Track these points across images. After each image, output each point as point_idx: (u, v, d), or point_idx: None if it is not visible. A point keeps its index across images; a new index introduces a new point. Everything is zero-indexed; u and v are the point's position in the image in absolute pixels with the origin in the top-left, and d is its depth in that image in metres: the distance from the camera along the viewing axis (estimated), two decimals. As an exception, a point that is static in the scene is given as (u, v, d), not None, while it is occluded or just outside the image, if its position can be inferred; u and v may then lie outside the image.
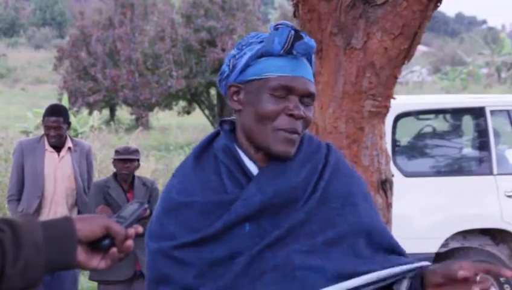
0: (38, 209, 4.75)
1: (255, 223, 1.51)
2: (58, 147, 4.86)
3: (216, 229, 1.50)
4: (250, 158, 1.57)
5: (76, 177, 4.86)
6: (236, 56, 1.60)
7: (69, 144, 4.89)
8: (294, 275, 1.47)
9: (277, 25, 1.58)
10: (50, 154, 4.84)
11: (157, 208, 1.60)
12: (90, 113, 20.46)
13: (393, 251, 1.61)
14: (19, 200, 4.83)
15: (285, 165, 1.55)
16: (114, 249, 1.21)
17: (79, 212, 4.87)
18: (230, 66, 1.60)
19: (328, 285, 1.47)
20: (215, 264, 1.49)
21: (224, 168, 1.56)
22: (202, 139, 1.67)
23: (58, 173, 4.83)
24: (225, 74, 1.62)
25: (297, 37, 1.54)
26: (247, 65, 1.57)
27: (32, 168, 4.78)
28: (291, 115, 1.52)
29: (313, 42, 1.56)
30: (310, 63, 1.60)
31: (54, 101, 23.86)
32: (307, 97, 1.55)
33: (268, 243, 1.49)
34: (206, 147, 1.63)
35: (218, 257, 1.49)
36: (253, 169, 1.56)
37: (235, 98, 1.59)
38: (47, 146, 4.84)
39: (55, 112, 4.80)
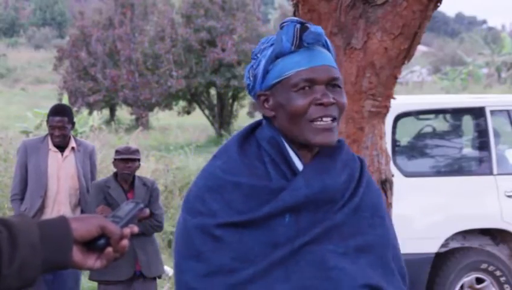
0: (41, 209, 4.76)
1: (294, 216, 1.52)
2: (61, 147, 4.86)
3: (262, 214, 1.50)
4: (297, 153, 1.57)
5: (79, 177, 4.86)
6: (254, 66, 1.61)
7: (72, 144, 4.90)
8: (329, 275, 1.49)
9: (282, 23, 1.59)
10: (54, 154, 4.85)
11: (197, 184, 1.58)
12: (90, 113, 20.46)
13: (403, 276, 1.67)
14: (22, 199, 4.83)
15: (330, 164, 1.57)
16: (109, 249, 1.21)
17: (82, 212, 4.87)
18: (251, 78, 1.62)
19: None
20: (253, 249, 1.49)
21: (268, 158, 1.57)
22: (243, 128, 1.66)
23: (61, 172, 4.84)
24: (250, 86, 1.63)
25: (304, 28, 1.55)
26: (266, 71, 1.58)
27: (36, 167, 4.79)
28: (320, 104, 1.52)
29: (320, 29, 1.56)
30: (328, 49, 1.60)
31: (54, 101, 23.87)
32: (332, 83, 1.55)
33: (310, 239, 1.50)
34: (247, 136, 1.63)
35: (258, 243, 1.49)
36: (298, 164, 1.56)
37: (266, 105, 1.60)
38: (51, 146, 4.85)
39: (60, 112, 4.81)
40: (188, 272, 1.51)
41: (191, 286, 1.51)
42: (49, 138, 4.88)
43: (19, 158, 4.91)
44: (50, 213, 4.78)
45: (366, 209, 1.59)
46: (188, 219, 1.54)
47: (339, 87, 1.57)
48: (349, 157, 1.63)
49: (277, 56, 1.56)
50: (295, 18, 1.58)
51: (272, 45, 1.59)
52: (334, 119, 1.54)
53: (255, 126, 1.64)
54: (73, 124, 4.89)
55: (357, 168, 1.62)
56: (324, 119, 1.52)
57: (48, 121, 4.85)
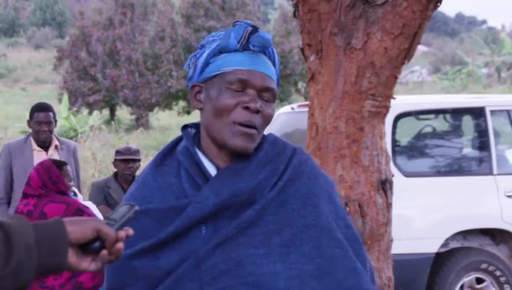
0: None
1: (211, 226, 1.48)
2: (45, 147, 4.85)
3: (168, 233, 1.47)
4: (211, 159, 1.55)
5: None
6: (197, 55, 1.60)
7: (55, 142, 4.89)
8: (245, 281, 1.44)
9: (235, 22, 1.59)
10: (38, 153, 4.83)
11: None
12: (90, 113, 20.47)
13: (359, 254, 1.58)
14: (8, 203, 4.81)
15: (244, 166, 1.53)
16: (104, 252, 1.21)
17: None
18: (191, 66, 1.61)
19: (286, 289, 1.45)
20: (170, 272, 1.47)
21: (184, 171, 1.55)
22: (168, 143, 1.66)
23: None
24: (189, 76, 1.62)
25: (254, 31, 1.55)
26: (206, 63, 1.57)
27: (22, 169, 4.77)
28: (246, 108, 1.51)
29: (268, 36, 1.56)
30: (273, 61, 1.60)
31: (54, 101, 23.88)
32: (265, 92, 1.54)
33: (218, 242, 1.46)
34: (170, 152, 1.61)
35: (173, 263, 1.47)
36: (212, 170, 1.54)
37: (197, 97, 1.58)
38: (34, 146, 4.84)
39: (44, 108, 4.83)
40: None
41: None
42: (31, 139, 4.86)
43: (2, 161, 4.87)
44: None
45: (295, 200, 1.53)
46: None
47: (271, 101, 1.55)
48: (277, 151, 1.58)
49: (221, 51, 1.56)
50: (250, 22, 1.58)
51: (219, 39, 1.58)
52: (255, 128, 1.51)
53: (179, 140, 1.63)
54: (56, 121, 4.90)
55: (284, 161, 1.57)
56: (246, 125, 1.50)
57: (31, 119, 4.82)
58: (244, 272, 1.45)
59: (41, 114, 4.78)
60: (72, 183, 3.82)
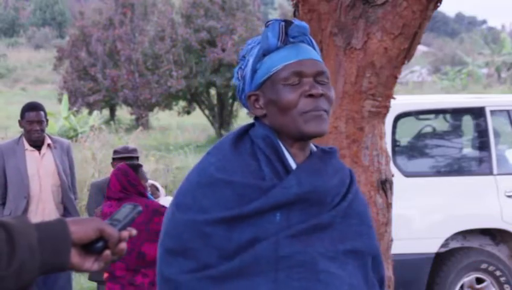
0: (26, 209, 4.73)
1: (285, 214, 1.52)
2: (38, 146, 4.84)
3: (251, 209, 1.50)
4: (290, 152, 1.58)
5: (60, 173, 4.84)
6: (242, 66, 1.63)
7: (48, 141, 4.88)
8: (318, 278, 1.49)
9: (267, 22, 1.61)
10: (31, 153, 4.83)
11: (189, 180, 1.58)
12: (90, 113, 20.48)
13: (381, 283, 1.68)
14: (3, 204, 4.80)
15: (321, 166, 1.58)
16: (107, 252, 1.22)
17: (65, 209, 4.86)
18: (240, 78, 1.63)
19: None
20: (241, 247, 1.49)
21: (263, 156, 1.57)
22: (236, 128, 1.67)
23: (41, 171, 4.81)
24: (240, 88, 1.64)
25: (288, 24, 1.57)
26: (254, 70, 1.59)
27: (16, 169, 4.76)
28: (310, 96, 1.54)
29: (304, 24, 1.59)
30: (313, 47, 1.62)
31: (54, 101, 23.91)
32: (320, 76, 1.57)
33: (296, 233, 1.50)
34: (242, 135, 1.63)
35: (246, 239, 1.49)
36: (292, 162, 1.57)
37: (257, 105, 1.60)
38: (27, 146, 4.83)
39: (35, 107, 4.82)
40: (173, 267, 1.52)
41: (174, 279, 1.51)
42: (23, 139, 4.85)
43: None
44: (35, 213, 4.76)
45: (354, 216, 1.60)
46: (177, 214, 1.54)
47: (327, 82, 1.58)
48: (340, 165, 1.64)
49: (264, 53, 1.58)
50: (280, 18, 1.60)
51: (258, 43, 1.60)
52: (324, 110, 1.55)
53: (249, 127, 1.65)
54: (47, 120, 4.89)
55: (348, 176, 1.63)
56: (315, 111, 1.54)
57: (22, 119, 4.81)
58: (318, 268, 1.50)
59: (32, 113, 4.77)
60: (148, 183, 4.05)
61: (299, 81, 1.55)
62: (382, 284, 1.68)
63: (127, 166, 3.86)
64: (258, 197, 1.51)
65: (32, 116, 4.76)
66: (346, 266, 1.54)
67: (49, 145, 4.88)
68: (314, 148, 1.64)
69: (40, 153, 4.84)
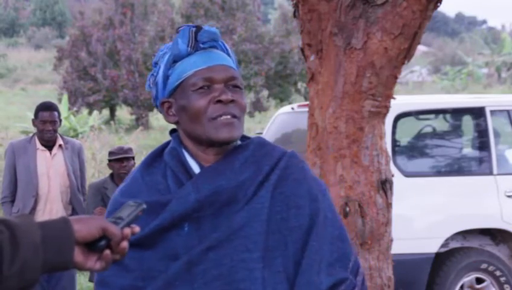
0: (34, 208, 4.75)
1: (194, 224, 1.50)
2: (49, 146, 4.86)
3: (152, 229, 1.49)
4: (196, 159, 1.57)
5: (69, 174, 4.86)
6: (154, 73, 1.62)
7: (60, 141, 4.91)
8: (238, 288, 1.46)
9: (178, 28, 1.60)
10: (42, 152, 4.84)
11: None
12: (90, 113, 20.47)
13: (346, 259, 1.56)
14: (12, 201, 4.82)
15: (228, 165, 1.54)
16: (107, 252, 1.22)
17: (73, 210, 4.87)
18: (153, 85, 1.62)
19: None
20: (155, 266, 1.49)
21: (169, 170, 1.57)
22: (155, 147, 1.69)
23: (51, 171, 4.83)
24: (154, 95, 1.63)
25: (198, 29, 1.56)
26: (166, 77, 1.58)
27: (25, 168, 4.78)
28: (219, 101, 1.52)
29: (214, 29, 1.58)
30: (227, 53, 1.61)
31: (55, 101, 23.84)
32: (230, 82, 1.55)
33: (210, 245, 1.48)
34: (158, 154, 1.64)
35: (158, 258, 1.49)
36: (196, 169, 1.56)
37: (170, 112, 1.60)
38: (38, 145, 4.85)
39: (49, 107, 4.84)
40: None
41: None
42: (36, 138, 4.88)
43: (6, 160, 4.90)
44: (42, 212, 4.78)
45: (279, 203, 1.53)
46: None
47: (239, 88, 1.57)
48: (263, 152, 1.59)
49: (175, 60, 1.57)
50: (191, 24, 1.60)
51: (170, 50, 1.59)
52: (234, 116, 1.53)
53: (167, 144, 1.65)
54: (60, 120, 4.91)
55: (270, 162, 1.57)
56: (224, 116, 1.52)
57: (36, 118, 4.83)
58: (237, 277, 1.46)
59: (45, 113, 4.79)
60: None
61: (209, 88, 1.53)
62: (346, 260, 1.56)
63: None
64: (159, 213, 1.50)
65: (45, 116, 4.79)
66: (274, 261, 1.49)
67: (60, 145, 4.90)
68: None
69: (51, 153, 4.86)
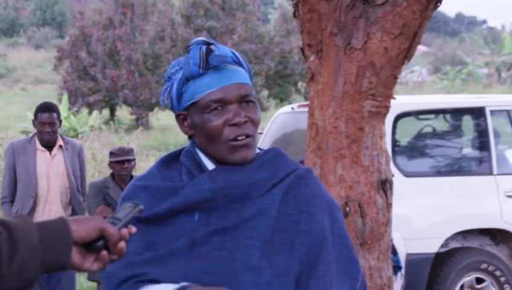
0: (33, 209, 4.74)
1: (205, 214, 1.53)
2: (49, 146, 4.85)
3: (162, 210, 1.54)
4: (211, 158, 1.60)
5: (69, 175, 4.85)
6: (168, 88, 1.64)
7: (60, 142, 4.89)
8: (232, 265, 1.48)
9: (189, 46, 1.61)
10: (42, 153, 4.84)
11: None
12: (90, 113, 20.47)
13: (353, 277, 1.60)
14: (12, 201, 4.82)
15: (246, 165, 1.57)
16: (104, 252, 1.22)
17: (73, 210, 4.87)
18: (167, 100, 1.65)
19: (267, 287, 1.48)
20: (158, 242, 1.53)
21: (185, 168, 1.61)
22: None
23: (51, 171, 4.82)
24: (170, 106, 1.65)
25: (209, 51, 1.57)
26: (179, 94, 1.60)
27: (25, 168, 4.78)
28: (233, 125, 1.55)
29: (225, 50, 1.58)
30: (239, 63, 1.61)
31: (54, 101, 23.85)
32: (244, 99, 1.57)
33: (216, 229, 1.51)
34: (174, 157, 1.68)
35: (162, 237, 1.53)
36: (210, 166, 1.59)
37: (185, 124, 1.63)
38: (38, 145, 4.84)
39: (48, 108, 4.82)
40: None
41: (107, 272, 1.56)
42: (36, 138, 4.87)
43: (6, 160, 4.90)
44: (41, 213, 4.77)
45: (291, 207, 1.56)
46: None
47: (252, 102, 1.59)
48: (280, 161, 1.62)
49: (187, 79, 1.58)
50: (201, 39, 1.60)
51: (181, 68, 1.61)
52: (248, 136, 1.56)
53: (182, 150, 1.68)
54: (60, 121, 4.89)
55: (287, 170, 1.60)
56: (239, 138, 1.55)
57: (35, 119, 4.83)
58: (235, 260, 1.49)
59: (44, 114, 4.78)
60: None
61: (222, 108, 1.55)
62: (354, 278, 1.61)
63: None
64: (171, 197, 1.54)
65: (44, 118, 4.77)
66: (276, 256, 1.51)
67: (60, 146, 4.89)
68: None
69: (51, 153, 4.85)
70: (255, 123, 1.58)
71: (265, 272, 1.49)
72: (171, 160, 1.67)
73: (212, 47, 1.57)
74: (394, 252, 4.03)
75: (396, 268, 4.04)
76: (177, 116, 1.64)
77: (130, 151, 4.94)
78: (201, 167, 1.59)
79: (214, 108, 1.55)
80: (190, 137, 1.67)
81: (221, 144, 1.55)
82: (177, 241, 1.51)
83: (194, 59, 1.57)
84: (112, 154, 4.96)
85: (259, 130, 1.65)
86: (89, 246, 1.22)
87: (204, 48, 1.57)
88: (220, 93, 1.55)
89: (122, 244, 1.24)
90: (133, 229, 1.27)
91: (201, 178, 1.55)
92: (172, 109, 1.66)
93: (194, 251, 1.50)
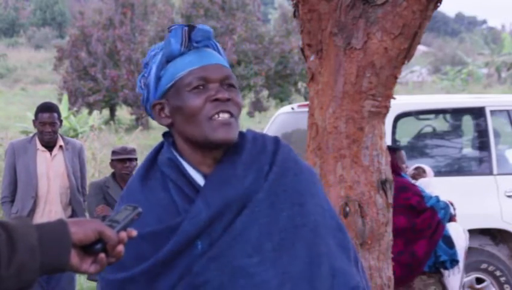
0: (33, 209, 4.74)
1: (207, 239, 1.46)
2: (50, 146, 4.85)
3: (166, 254, 1.45)
4: (195, 167, 1.53)
5: (69, 175, 4.85)
6: (145, 74, 1.58)
7: (60, 142, 4.89)
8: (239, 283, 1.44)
9: (170, 27, 1.57)
10: (42, 153, 4.83)
11: None
12: (90, 113, 20.47)
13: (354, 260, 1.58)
14: (12, 201, 4.81)
15: (230, 172, 1.50)
16: (102, 255, 1.22)
17: (73, 211, 4.86)
18: (144, 87, 1.58)
19: None
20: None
21: (171, 183, 1.52)
22: (146, 156, 1.62)
23: (51, 172, 4.82)
24: (144, 97, 1.59)
25: (192, 29, 1.53)
26: (158, 78, 1.55)
27: (25, 168, 4.77)
28: (216, 100, 1.49)
29: (208, 28, 1.55)
30: (218, 52, 1.58)
31: (54, 101, 23.85)
32: (225, 80, 1.52)
33: (212, 256, 1.45)
34: (151, 164, 1.58)
35: (173, 283, 1.45)
36: (199, 179, 1.52)
37: (162, 114, 1.55)
38: (38, 145, 4.84)
39: (49, 108, 4.82)
40: None
41: None
42: (36, 138, 4.86)
43: (7, 160, 4.90)
44: (41, 213, 4.76)
45: (283, 200, 1.51)
46: (103, 274, 1.50)
47: (234, 87, 1.54)
48: (258, 148, 1.56)
49: (168, 60, 1.54)
50: (183, 24, 1.57)
51: (162, 50, 1.56)
52: (232, 115, 1.50)
53: (158, 151, 1.60)
54: (61, 121, 4.89)
55: (268, 159, 1.54)
56: (221, 114, 1.48)
57: (36, 119, 4.83)
58: (237, 285, 1.44)
59: (45, 115, 4.78)
60: (405, 165, 4.39)
61: (204, 87, 1.50)
62: (355, 261, 1.58)
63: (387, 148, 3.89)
64: (171, 238, 1.45)
65: (45, 118, 4.77)
66: (280, 260, 1.46)
67: (61, 146, 4.88)
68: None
69: (51, 154, 4.85)
70: (238, 106, 1.52)
71: (271, 283, 1.45)
72: (149, 170, 1.57)
73: (195, 25, 1.54)
74: (451, 245, 4.03)
75: (453, 262, 4.05)
76: (153, 107, 1.56)
77: (132, 151, 4.94)
78: (190, 181, 1.51)
79: (195, 86, 1.49)
80: (164, 135, 1.60)
81: (203, 122, 1.48)
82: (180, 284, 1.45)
83: (175, 38, 1.53)
84: (114, 152, 4.96)
85: (259, 130, 1.63)
86: (88, 249, 1.22)
87: (186, 28, 1.54)
88: (203, 71, 1.50)
89: (120, 247, 1.23)
90: (133, 232, 1.25)
91: (197, 207, 1.46)
92: (145, 102, 1.59)
93: (195, 285, 1.45)
